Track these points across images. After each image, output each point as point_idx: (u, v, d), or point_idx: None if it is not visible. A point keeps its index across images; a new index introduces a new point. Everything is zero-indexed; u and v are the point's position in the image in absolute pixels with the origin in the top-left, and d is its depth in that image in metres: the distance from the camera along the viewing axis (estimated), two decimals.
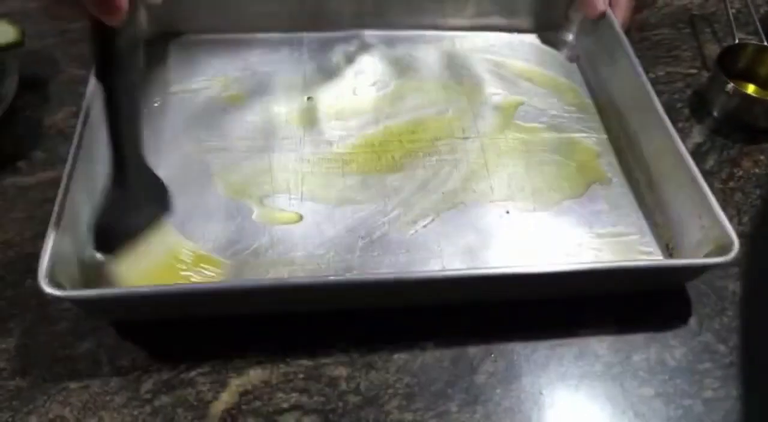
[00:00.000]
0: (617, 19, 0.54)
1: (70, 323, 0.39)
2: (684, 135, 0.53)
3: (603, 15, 0.55)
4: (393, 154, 0.49)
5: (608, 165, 0.50)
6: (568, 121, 0.53)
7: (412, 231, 0.44)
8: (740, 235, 0.40)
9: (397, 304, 0.40)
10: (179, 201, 0.43)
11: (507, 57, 0.58)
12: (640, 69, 0.50)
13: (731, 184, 0.50)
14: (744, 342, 0.19)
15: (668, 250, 0.44)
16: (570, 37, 0.60)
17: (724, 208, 0.41)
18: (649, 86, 0.48)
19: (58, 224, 0.37)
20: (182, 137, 0.49)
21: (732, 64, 0.56)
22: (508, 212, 0.46)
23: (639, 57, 0.51)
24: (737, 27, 0.59)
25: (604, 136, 0.52)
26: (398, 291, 0.39)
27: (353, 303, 0.40)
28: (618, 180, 0.49)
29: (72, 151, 0.41)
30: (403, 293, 0.39)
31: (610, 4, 0.56)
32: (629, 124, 0.50)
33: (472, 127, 0.52)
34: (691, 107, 0.56)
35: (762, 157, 0.52)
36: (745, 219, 0.48)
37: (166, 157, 0.47)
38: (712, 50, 0.61)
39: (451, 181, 0.48)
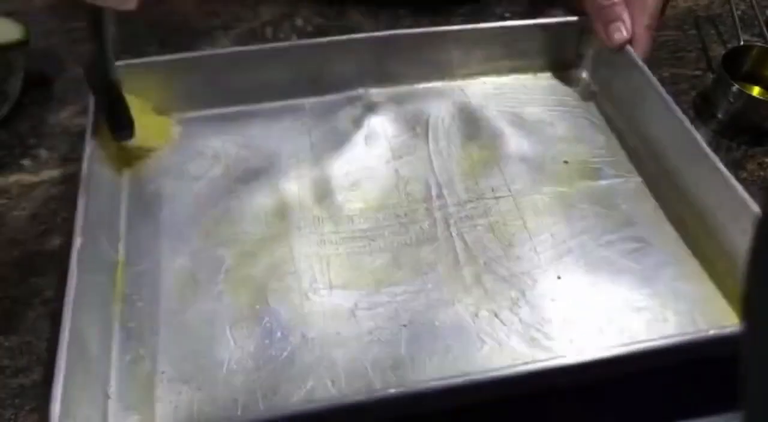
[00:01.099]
0: (641, 15, 0.51)
1: None
2: None
3: (624, 45, 0.51)
4: (421, 225, 0.45)
5: (654, 212, 0.46)
6: (600, 166, 0.49)
7: (459, 312, 0.40)
8: None
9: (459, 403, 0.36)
10: (198, 307, 0.40)
11: (523, 103, 0.54)
12: (674, 105, 0.46)
13: None
14: None
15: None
16: (584, 73, 0.56)
17: None
18: (687, 123, 0.45)
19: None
20: (187, 231, 0.44)
21: (737, 65, 0.56)
22: (559, 277, 0.42)
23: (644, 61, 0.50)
24: (742, 29, 0.58)
25: (640, 179, 0.48)
26: (470, 394, 0.34)
27: (411, 411, 0.35)
28: (669, 228, 0.45)
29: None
30: (473, 395, 0.35)
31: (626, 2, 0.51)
32: (669, 165, 0.47)
33: (502, 184, 0.47)
34: (696, 109, 0.56)
35: (767, 160, 0.52)
36: None
37: (170, 257, 0.42)
38: (717, 52, 0.61)
39: (491, 248, 0.43)
